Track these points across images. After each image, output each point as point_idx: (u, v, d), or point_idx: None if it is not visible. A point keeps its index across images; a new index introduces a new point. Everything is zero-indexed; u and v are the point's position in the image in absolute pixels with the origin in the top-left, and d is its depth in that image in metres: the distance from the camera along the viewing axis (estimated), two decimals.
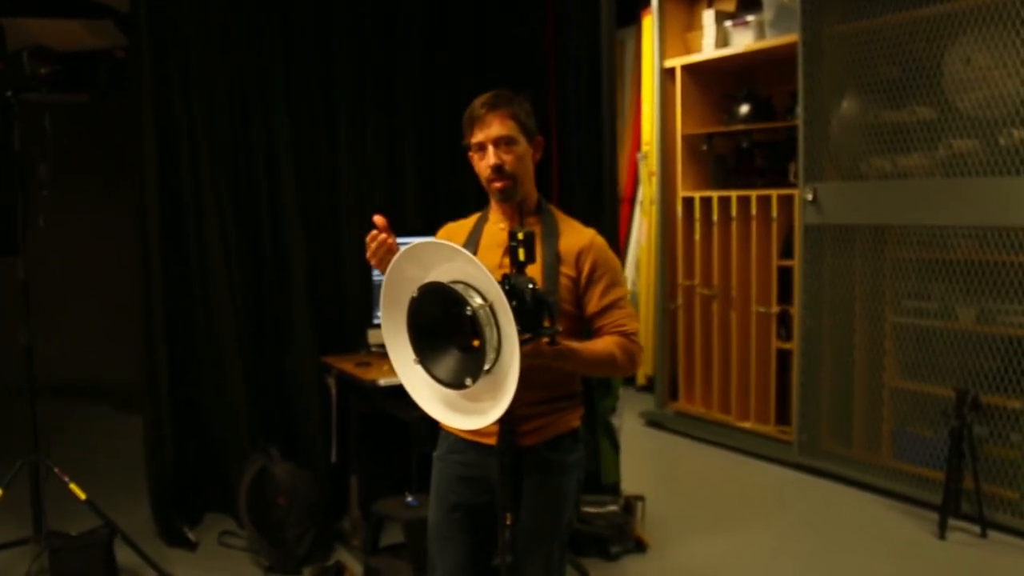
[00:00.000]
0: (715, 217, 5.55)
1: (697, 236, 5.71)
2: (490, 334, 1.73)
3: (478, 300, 1.76)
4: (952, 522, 4.10)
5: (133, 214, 3.93)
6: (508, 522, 2.09)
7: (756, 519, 4.38)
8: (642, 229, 6.68)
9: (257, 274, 4.09)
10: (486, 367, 1.76)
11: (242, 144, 4.04)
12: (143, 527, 3.91)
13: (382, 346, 3.92)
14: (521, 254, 1.89)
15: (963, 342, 4.28)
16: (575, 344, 2.05)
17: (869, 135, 4.61)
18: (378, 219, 2.13)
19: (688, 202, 5.78)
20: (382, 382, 3.47)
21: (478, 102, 2.21)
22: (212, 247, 3.97)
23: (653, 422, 6.04)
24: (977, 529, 4.08)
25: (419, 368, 1.87)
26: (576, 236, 2.21)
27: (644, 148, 6.56)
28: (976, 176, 4.14)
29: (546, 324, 1.90)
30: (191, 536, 3.89)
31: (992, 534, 4.06)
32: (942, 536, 4.04)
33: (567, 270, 2.17)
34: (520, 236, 1.88)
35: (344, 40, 4.21)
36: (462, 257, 1.76)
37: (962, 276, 4.26)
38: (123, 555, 3.56)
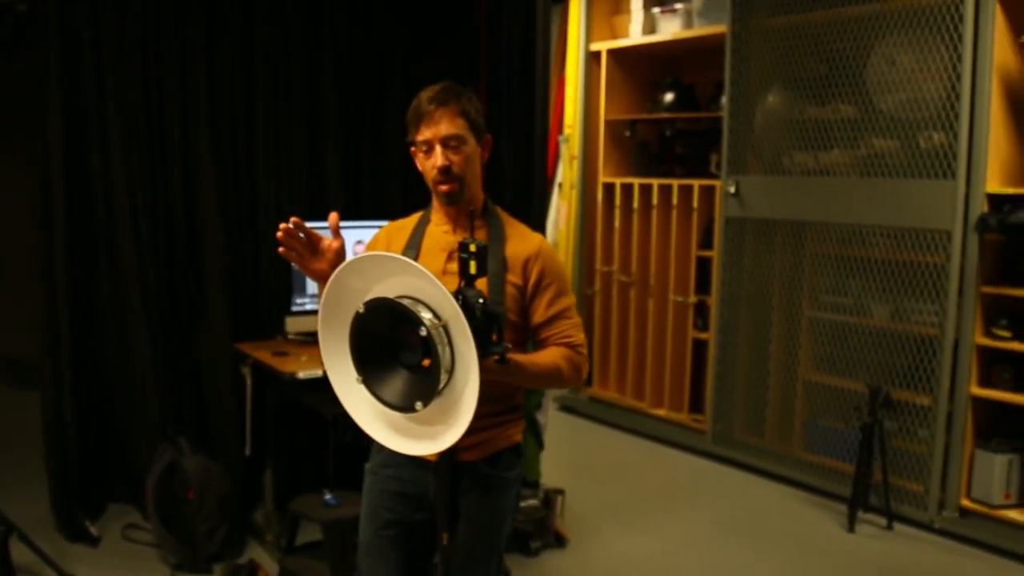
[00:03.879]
0: (636, 204, 5.53)
1: (617, 222, 5.69)
2: (443, 354, 1.63)
3: (428, 317, 1.65)
4: (860, 515, 4.20)
5: (34, 184, 3.66)
6: (444, 542, 2.01)
7: (671, 511, 4.41)
8: (561, 213, 6.62)
9: (169, 254, 3.88)
10: (438, 389, 1.66)
11: (156, 116, 3.81)
12: (41, 520, 3.68)
13: (301, 334, 3.81)
14: (473, 267, 1.78)
15: (876, 338, 4.37)
16: (522, 358, 1.97)
17: (793, 130, 4.63)
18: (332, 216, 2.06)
19: (609, 188, 5.75)
20: (301, 375, 3.34)
21: (425, 96, 2.06)
22: (121, 224, 3.75)
23: (566, 407, 6.03)
24: (883, 521, 4.20)
25: (361, 387, 1.75)
26: (523, 243, 2.12)
27: (566, 131, 6.48)
28: (895, 177, 4.21)
29: (494, 340, 1.81)
30: (93, 530, 3.67)
31: (898, 527, 4.18)
32: (851, 529, 4.14)
33: (513, 278, 2.07)
34: (472, 248, 1.78)
35: (268, 17, 4.01)
36: (415, 272, 1.65)
37: (878, 274, 4.34)
38: (20, 552, 3.33)
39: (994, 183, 3.93)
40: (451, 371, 1.66)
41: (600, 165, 5.77)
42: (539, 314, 2.08)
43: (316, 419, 3.78)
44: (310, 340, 3.80)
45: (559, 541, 3.88)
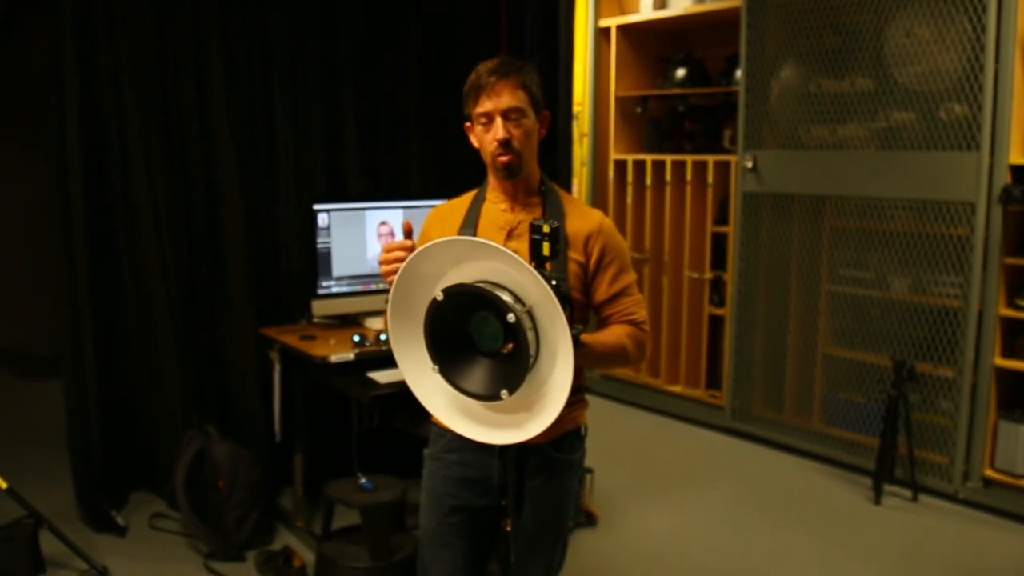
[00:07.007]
0: (648, 181, 5.49)
1: (629, 200, 5.65)
2: (531, 340, 1.60)
3: (509, 301, 1.61)
4: (885, 487, 4.21)
5: (52, 174, 3.59)
6: (508, 528, 1.98)
7: (696, 486, 4.41)
8: (571, 190, 6.58)
9: (189, 241, 3.82)
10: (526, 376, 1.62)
11: (173, 103, 3.74)
12: (66, 511, 3.65)
13: (327, 317, 3.77)
14: (546, 248, 1.74)
15: (897, 312, 4.37)
16: (590, 339, 1.94)
17: (809, 104, 4.60)
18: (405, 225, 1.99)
19: (620, 165, 5.71)
20: (333, 358, 3.30)
21: (484, 68, 2.02)
22: (141, 212, 3.68)
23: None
24: (908, 493, 4.21)
25: (435, 376, 1.70)
26: (584, 219, 2.08)
27: (576, 108, 6.43)
28: (915, 150, 4.19)
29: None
30: (120, 520, 3.63)
31: (923, 498, 4.20)
32: (877, 501, 4.15)
33: (575, 255, 2.04)
34: (545, 229, 1.73)
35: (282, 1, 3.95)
36: (498, 256, 1.61)
37: (899, 247, 4.33)
38: (49, 543, 3.30)
39: (1017, 155, 3.92)
40: (535, 357, 1.63)
41: (611, 142, 5.73)
42: (601, 292, 2.05)
43: (343, 404, 3.76)
44: (336, 323, 3.76)
45: (590, 520, 3.88)
